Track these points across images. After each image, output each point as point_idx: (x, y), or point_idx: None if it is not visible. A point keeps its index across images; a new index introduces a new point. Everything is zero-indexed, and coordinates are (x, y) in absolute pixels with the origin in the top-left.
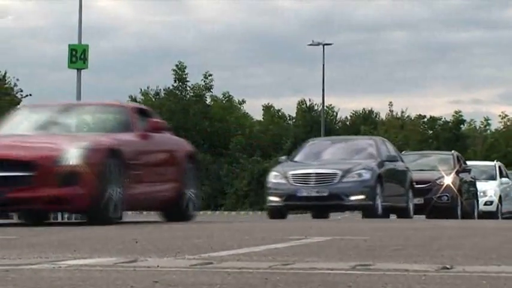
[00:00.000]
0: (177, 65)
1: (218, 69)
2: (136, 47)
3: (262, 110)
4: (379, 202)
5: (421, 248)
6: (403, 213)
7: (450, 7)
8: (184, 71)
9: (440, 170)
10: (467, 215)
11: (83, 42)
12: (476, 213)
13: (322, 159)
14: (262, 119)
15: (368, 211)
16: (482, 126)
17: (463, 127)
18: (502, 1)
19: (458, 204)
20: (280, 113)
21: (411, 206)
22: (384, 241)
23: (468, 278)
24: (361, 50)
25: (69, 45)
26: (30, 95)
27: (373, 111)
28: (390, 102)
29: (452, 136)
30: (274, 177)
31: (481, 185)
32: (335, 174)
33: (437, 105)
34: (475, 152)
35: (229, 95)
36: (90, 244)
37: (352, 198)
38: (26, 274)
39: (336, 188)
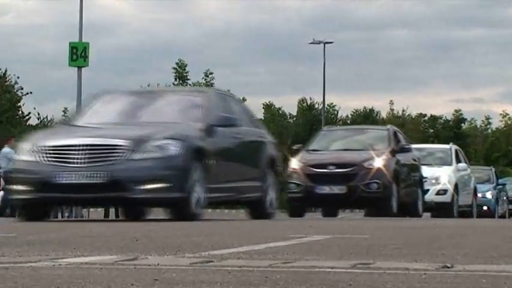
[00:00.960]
0: (177, 63)
1: (219, 67)
2: (138, 45)
3: (263, 108)
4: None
5: (421, 246)
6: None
7: (452, 5)
8: (184, 69)
9: (370, 150)
10: (407, 207)
11: (83, 40)
12: (420, 206)
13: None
14: (262, 117)
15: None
16: (483, 125)
17: (464, 126)
18: (503, 0)
19: (393, 194)
20: (280, 111)
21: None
22: (384, 240)
23: (468, 276)
24: (362, 48)
25: (70, 43)
26: (31, 92)
27: (373, 110)
28: (391, 101)
29: (452, 135)
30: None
31: (433, 171)
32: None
33: (439, 104)
34: (476, 150)
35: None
36: (91, 242)
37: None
38: (26, 272)
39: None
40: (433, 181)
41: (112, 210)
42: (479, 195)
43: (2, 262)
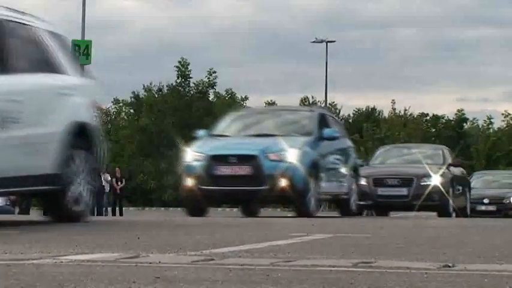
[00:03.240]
0: (179, 62)
1: (224, 65)
2: (142, 43)
3: (265, 106)
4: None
5: (423, 246)
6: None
7: (458, 4)
8: (187, 68)
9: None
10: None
11: (88, 38)
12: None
13: None
14: None
15: None
16: (485, 124)
17: (466, 125)
18: None
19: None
20: None
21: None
22: (385, 239)
23: (470, 276)
24: (369, 47)
25: (73, 40)
26: None
27: (375, 109)
28: (393, 100)
29: (454, 134)
30: None
31: None
32: None
33: (444, 103)
34: (478, 150)
35: (232, 92)
36: (92, 239)
37: None
38: (28, 269)
39: None
40: None
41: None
42: None
43: (4, 259)
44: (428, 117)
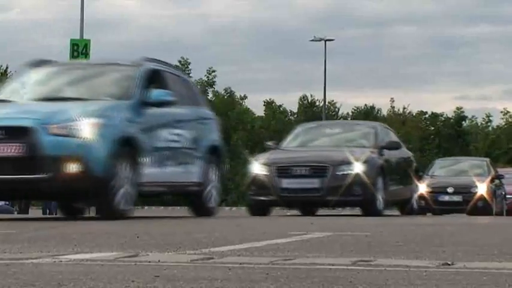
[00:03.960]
0: (180, 61)
1: (224, 64)
2: (142, 41)
3: (264, 105)
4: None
5: (422, 244)
6: None
7: (457, 2)
8: (188, 67)
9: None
10: None
11: (89, 37)
12: None
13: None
14: (264, 115)
15: None
16: (483, 122)
17: (465, 123)
18: None
19: None
20: (281, 109)
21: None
22: (384, 237)
23: (469, 274)
24: (368, 45)
25: (71, 39)
26: None
27: (374, 107)
28: (392, 98)
29: (453, 132)
30: None
31: None
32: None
33: (444, 101)
34: (477, 148)
35: (231, 90)
36: (92, 239)
37: None
38: (27, 268)
39: None
40: None
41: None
42: None
43: (3, 258)
44: (427, 116)
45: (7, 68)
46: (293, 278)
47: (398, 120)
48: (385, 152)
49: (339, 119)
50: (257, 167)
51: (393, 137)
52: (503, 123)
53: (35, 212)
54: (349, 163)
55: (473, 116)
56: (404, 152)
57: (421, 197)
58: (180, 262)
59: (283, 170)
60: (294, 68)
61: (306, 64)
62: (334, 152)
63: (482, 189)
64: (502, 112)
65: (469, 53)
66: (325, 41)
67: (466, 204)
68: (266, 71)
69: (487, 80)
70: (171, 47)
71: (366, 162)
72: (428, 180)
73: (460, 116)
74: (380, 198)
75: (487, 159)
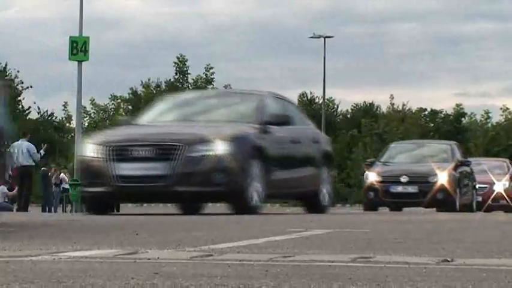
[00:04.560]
0: (178, 58)
1: (224, 61)
2: (142, 39)
3: None
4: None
5: (421, 240)
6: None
7: None
8: (185, 64)
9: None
10: None
11: (88, 34)
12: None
13: None
14: None
15: None
16: (482, 119)
17: (464, 120)
18: None
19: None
20: None
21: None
22: (384, 234)
23: (468, 270)
24: (369, 42)
25: (70, 37)
26: (31, 86)
27: (373, 104)
28: (391, 95)
29: (453, 129)
30: None
31: None
32: None
33: (444, 98)
34: (476, 145)
35: (230, 88)
36: (91, 236)
37: None
38: (26, 265)
39: None
40: None
41: None
42: None
43: (3, 256)
44: (426, 112)
45: (6, 65)
46: (292, 275)
47: (398, 117)
48: (273, 128)
49: (338, 116)
50: (89, 149)
51: (286, 109)
52: (503, 120)
53: (34, 209)
54: (207, 141)
55: (472, 113)
56: (304, 129)
57: (370, 188)
58: (179, 259)
59: (119, 152)
60: (294, 65)
61: (306, 61)
62: (188, 128)
63: (442, 178)
64: (501, 109)
65: (469, 49)
66: (324, 38)
67: (423, 196)
68: (265, 68)
69: (487, 76)
70: (171, 45)
71: (232, 140)
72: (379, 167)
73: (459, 113)
74: (254, 189)
75: (454, 143)
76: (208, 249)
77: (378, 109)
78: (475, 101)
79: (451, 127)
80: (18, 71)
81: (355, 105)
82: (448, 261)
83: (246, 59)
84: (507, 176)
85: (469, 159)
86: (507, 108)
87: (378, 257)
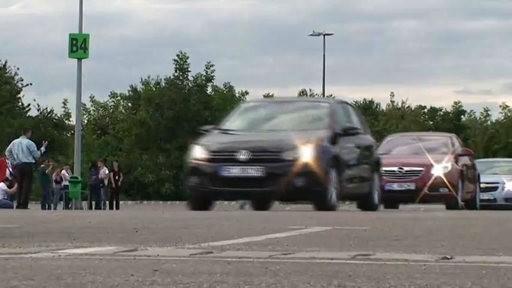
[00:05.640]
0: (178, 55)
1: (225, 58)
2: (143, 36)
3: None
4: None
5: (421, 238)
6: None
7: None
8: (185, 61)
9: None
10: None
11: (88, 31)
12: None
13: None
14: None
15: None
16: (482, 117)
17: (464, 118)
18: None
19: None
20: None
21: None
22: (384, 231)
23: (468, 268)
24: (370, 39)
25: (70, 34)
26: (31, 84)
27: (373, 102)
28: (391, 93)
29: (452, 127)
30: None
31: None
32: None
33: (445, 96)
34: (476, 142)
35: (230, 85)
36: (90, 233)
37: None
38: (26, 262)
39: None
40: None
41: None
42: None
43: (3, 253)
44: (426, 110)
45: (6, 62)
46: (292, 272)
47: (397, 115)
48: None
49: None
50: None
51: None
52: (502, 118)
53: (34, 206)
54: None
55: (471, 111)
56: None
57: None
58: (179, 256)
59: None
60: (294, 63)
61: (306, 59)
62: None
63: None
64: (500, 106)
65: (470, 47)
66: (324, 35)
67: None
68: (266, 65)
69: (488, 74)
70: (171, 42)
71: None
72: None
73: (458, 111)
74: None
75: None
76: (208, 247)
77: (378, 107)
78: (476, 98)
79: (450, 125)
80: (18, 68)
81: (355, 103)
82: (448, 258)
83: (246, 56)
84: (449, 156)
85: (403, 133)
86: (506, 106)
87: (378, 254)
